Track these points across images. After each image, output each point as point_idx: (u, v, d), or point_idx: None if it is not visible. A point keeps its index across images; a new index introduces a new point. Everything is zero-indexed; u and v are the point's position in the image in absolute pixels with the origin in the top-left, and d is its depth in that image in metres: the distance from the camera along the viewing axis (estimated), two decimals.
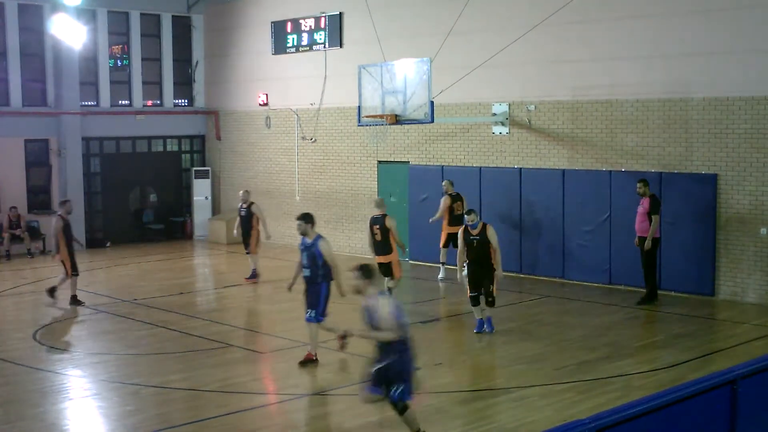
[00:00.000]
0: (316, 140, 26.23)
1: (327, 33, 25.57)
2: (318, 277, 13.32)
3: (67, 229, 18.53)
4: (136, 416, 11.19)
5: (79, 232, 27.64)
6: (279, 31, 27.07)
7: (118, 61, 29.55)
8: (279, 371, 13.70)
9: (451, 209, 20.25)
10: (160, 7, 29.64)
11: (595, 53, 19.83)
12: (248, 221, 21.22)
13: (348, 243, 25.11)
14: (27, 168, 27.45)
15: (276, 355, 14.52)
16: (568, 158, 20.38)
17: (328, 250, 13.32)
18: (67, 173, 27.51)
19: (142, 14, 29.40)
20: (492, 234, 15.00)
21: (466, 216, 15.28)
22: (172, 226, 29.82)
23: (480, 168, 21.83)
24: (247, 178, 28.68)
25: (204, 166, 30.32)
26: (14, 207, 26.24)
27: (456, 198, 20.36)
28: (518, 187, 21.01)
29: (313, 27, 25.98)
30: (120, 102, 29.31)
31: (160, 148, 30.15)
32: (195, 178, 29.81)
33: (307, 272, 13.39)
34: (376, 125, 20.59)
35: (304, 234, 13.44)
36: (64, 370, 13.52)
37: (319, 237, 13.41)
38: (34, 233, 26.84)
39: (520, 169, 21.04)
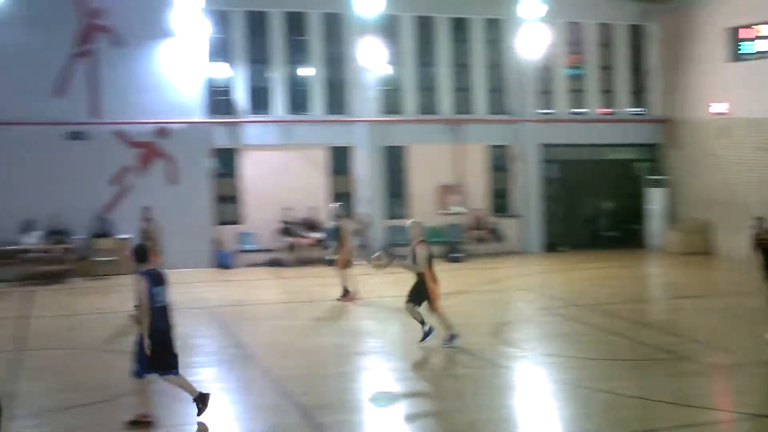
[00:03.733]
0: None
1: None
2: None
3: None
4: (586, 420, 11.40)
5: (535, 236, 28.82)
6: (734, 38, 26.08)
7: (574, 70, 30.18)
8: (735, 388, 13.27)
9: None
10: (615, 17, 29.87)
11: None
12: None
13: None
14: (490, 172, 28.97)
15: (733, 370, 14.03)
16: None
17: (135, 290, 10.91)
18: (525, 179, 28.66)
19: (597, 24, 29.85)
20: None
21: None
22: (626, 233, 29.88)
23: None
24: (702, 188, 27.97)
25: (658, 174, 29.97)
26: (479, 209, 27.86)
27: None
28: None
29: None
30: (575, 110, 29.94)
31: (614, 156, 30.34)
32: (649, 186, 29.60)
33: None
34: None
35: None
36: (520, 367, 14.15)
37: (141, 273, 10.98)
38: (496, 235, 28.23)
39: None
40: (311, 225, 26.70)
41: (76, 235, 24.93)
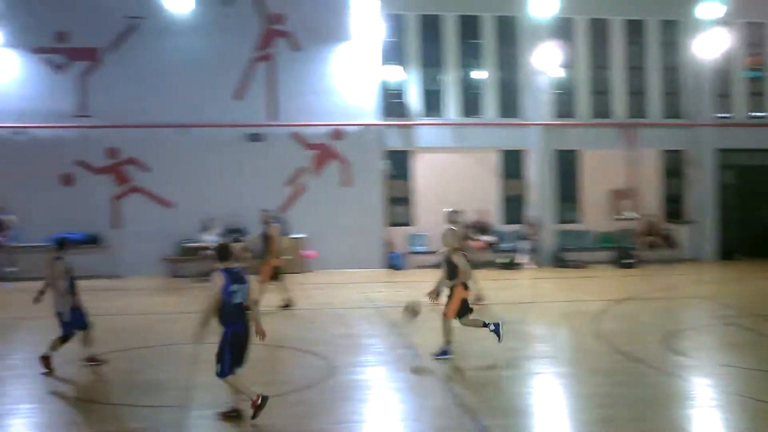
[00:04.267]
0: None
1: None
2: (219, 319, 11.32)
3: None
4: None
5: (709, 244, 28.10)
6: None
7: (754, 72, 29.24)
8: None
9: None
10: None
11: None
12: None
13: None
14: (663, 178, 28.42)
15: None
16: None
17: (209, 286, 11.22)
18: (701, 184, 27.97)
19: None
20: None
21: None
22: None
23: None
24: None
25: None
26: (652, 215, 27.36)
27: None
28: None
29: None
30: (755, 113, 29.00)
31: None
32: None
33: None
34: None
35: None
36: (692, 377, 13.84)
37: (221, 270, 11.25)
38: (669, 241, 27.67)
39: None
40: (482, 228, 26.83)
41: (252, 234, 25.83)
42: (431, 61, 27.86)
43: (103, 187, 26.20)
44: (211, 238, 25.40)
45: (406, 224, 27.73)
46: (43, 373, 13.90)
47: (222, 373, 11.32)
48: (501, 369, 14.15)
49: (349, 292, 22.21)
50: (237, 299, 11.19)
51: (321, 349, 15.31)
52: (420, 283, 23.63)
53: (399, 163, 27.73)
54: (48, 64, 26.04)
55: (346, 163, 26.91)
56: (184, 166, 26.21)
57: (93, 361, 14.34)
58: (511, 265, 26.46)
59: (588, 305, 20.06)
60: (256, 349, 15.71)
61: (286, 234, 26.04)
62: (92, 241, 25.81)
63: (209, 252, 25.03)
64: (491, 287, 22.87)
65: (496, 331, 15.07)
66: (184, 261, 25.66)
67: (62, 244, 14.51)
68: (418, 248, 27.35)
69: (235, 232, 25.74)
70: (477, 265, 26.22)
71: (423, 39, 27.76)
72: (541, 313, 19.69)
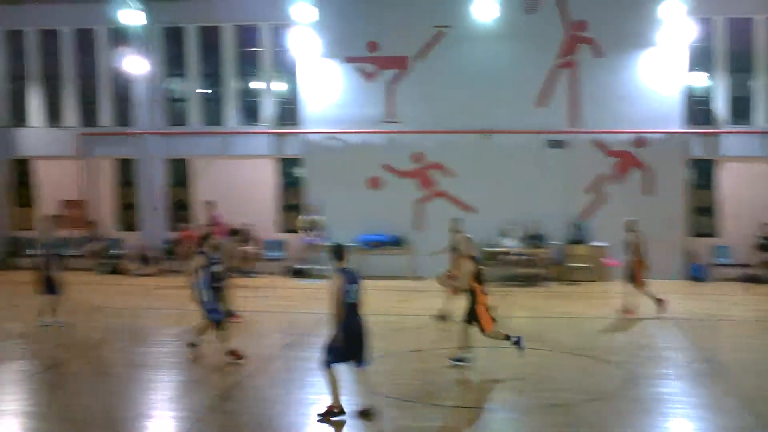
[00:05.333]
0: None
1: None
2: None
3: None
4: None
5: None
6: None
7: None
8: None
9: None
10: None
11: None
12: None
13: None
14: None
15: None
16: None
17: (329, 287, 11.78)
18: None
19: None
20: None
21: None
22: None
23: None
24: None
25: None
26: None
27: None
28: None
29: None
30: None
31: None
32: None
33: None
34: None
35: None
36: None
37: (338, 270, 11.84)
38: None
39: None
40: None
41: (552, 240, 26.00)
42: (740, 66, 26.74)
43: (407, 190, 27.27)
44: (510, 244, 25.81)
45: (711, 235, 26.82)
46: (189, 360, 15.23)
47: (326, 364, 11.97)
48: None
49: (648, 302, 21.86)
50: (351, 299, 11.84)
51: (619, 359, 15.27)
52: (722, 296, 23.06)
53: (704, 172, 26.88)
54: (360, 73, 27.46)
55: (648, 171, 26.44)
56: (486, 171, 26.75)
57: (234, 355, 15.24)
58: None
59: None
60: (555, 354, 15.94)
61: (586, 242, 26.05)
62: (396, 243, 26.92)
63: (510, 257, 25.52)
64: None
65: (518, 344, 14.75)
66: (484, 265, 26.16)
67: (204, 238, 15.73)
68: (723, 260, 26.41)
69: (535, 238, 26.00)
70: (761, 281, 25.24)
71: (731, 42, 26.69)
72: None
